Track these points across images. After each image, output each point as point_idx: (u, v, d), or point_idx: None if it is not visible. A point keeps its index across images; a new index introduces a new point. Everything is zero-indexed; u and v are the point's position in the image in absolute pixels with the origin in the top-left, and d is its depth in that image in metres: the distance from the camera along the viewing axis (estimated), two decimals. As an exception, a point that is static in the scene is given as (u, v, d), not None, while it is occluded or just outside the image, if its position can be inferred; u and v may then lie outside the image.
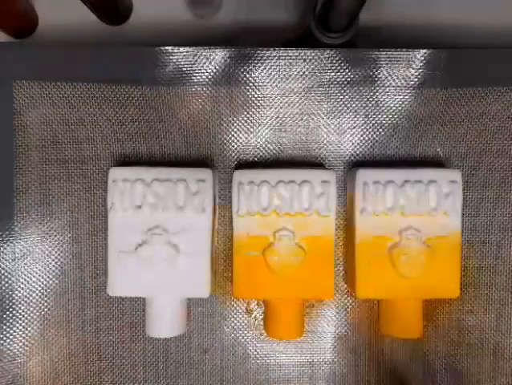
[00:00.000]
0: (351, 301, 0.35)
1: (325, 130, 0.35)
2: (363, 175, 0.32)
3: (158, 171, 0.32)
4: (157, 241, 0.32)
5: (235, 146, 0.35)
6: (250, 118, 0.35)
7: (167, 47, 0.34)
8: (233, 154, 0.35)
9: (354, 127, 0.35)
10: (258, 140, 0.35)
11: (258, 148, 0.35)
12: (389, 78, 0.34)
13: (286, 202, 0.32)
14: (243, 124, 0.35)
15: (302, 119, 0.35)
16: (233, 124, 0.35)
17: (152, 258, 0.32)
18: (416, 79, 0.34)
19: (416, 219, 0.32)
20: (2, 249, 0.34)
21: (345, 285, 0.35)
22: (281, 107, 0.34)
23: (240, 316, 0.35)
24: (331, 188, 0.32)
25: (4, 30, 0.35)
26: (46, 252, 0.34)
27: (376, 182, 0.32)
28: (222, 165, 0.35)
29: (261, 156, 0.35)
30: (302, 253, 0.32)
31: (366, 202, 0.32)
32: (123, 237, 0.32)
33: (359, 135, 0.35)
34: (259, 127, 0.35)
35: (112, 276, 0.32)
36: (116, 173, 0.32)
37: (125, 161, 0.35)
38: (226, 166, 0.35)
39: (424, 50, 0.33)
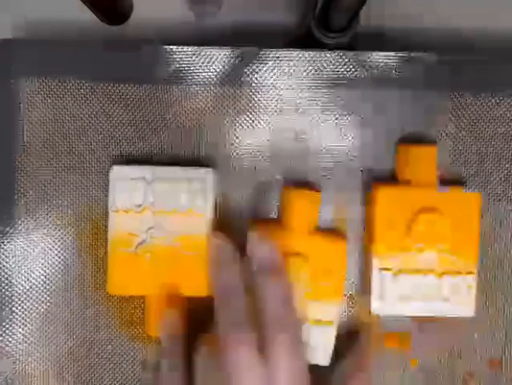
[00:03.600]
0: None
1: (325, 130, 0.34)
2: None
3: (159, 170, 0.33)
4: (157, 240, 0.32)
5: (237, 146, 0.35)
6: (252, 118, 0.35)
7: (170, 46, 0.34)
8: (235, 154, 0.35)
9: (354, 128, 0.34)
10: (259, 141, 0.35)
11: (260, 149, 0.35)
12: (389, 78, 0.33)
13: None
14: (245, 124, 0.35)
15: (302, 119, 0.34)
16: (235, 124, 0.35)
17: (152, 257, 0.32)
18: (415, 80, 0.34)
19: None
20: (2, 246, 0.34)
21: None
22: (281, 108, 0.34)
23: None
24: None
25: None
26: (47, 250, 0.35)
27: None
28: (224, 165, 0.35)
29: (262, 156, 0.35)
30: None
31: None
32: (124, 235, 0.33)
33: (363, 138, 0.34)
34: (260, 127, 0.35)
35: (113, 274, 0.33)
36: (118, 172, 0.33)
37: (126, 159, 0.35)
38: (228, 166, 0.35)
39: (425, 53, 0.33)
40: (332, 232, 0.34)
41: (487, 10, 0.36)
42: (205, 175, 0.33)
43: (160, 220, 0.32)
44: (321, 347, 0.33)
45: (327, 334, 0.33)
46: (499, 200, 0.34)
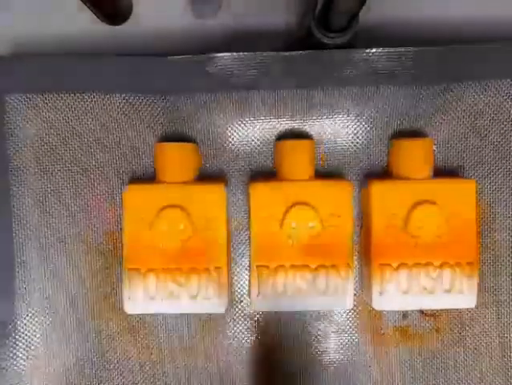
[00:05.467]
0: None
1: (321, 126, 0.35)
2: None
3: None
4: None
5: (247, 153, 0.35)
6: (255, 122, 0.35)
7: (172, 57, 0.33)
8: (245, 161, 0.35)
9: (347, 127, 0.35)
10: (261, 140, 0.35)
11: (261, 148, 0.35)
12: (389, 77, 0.34)
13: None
14: (250, 130, 0.35)
15: (303, 119, 0.35)
16: (240, 131, 0.35)
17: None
18: (416, 77, 0.34)
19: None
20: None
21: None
22: (283, 109, 0.34)
23: (242, 320, 0.35)
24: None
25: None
26: (47, 266, 0.34)
27: None
28: (235, 173, 0.35)
29: (271, 162, 0.35)
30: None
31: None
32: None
33: (358, 135, 0.35)
34: (263, 132, 0.35)
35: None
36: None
37: (130, 178, 0.35)
38: (238, 174, 0.35)
39: (424, 48, 0.33)
40: (332, 176, 0.35)
41: (485, 5, 0.37)
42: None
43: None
44: (341, 292, 0.32)
45: (346, 277, 0.32)
46: (498, 191, 0.35)
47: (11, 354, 0.34)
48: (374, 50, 0.33)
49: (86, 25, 0.36)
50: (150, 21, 0.36)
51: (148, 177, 0.34)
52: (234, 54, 0.33)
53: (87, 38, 0.36)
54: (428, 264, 0.32)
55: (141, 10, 0.36)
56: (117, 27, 0.35)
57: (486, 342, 0.35)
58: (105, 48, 0.36)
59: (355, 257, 0.35)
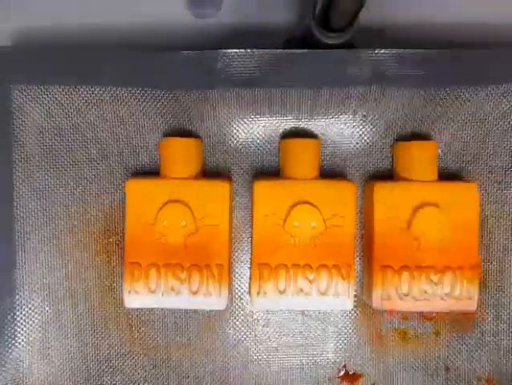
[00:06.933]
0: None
1: (325, 128, 0.35)
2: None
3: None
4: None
5: (251, 151, 0.35)
6: (260, 120, 0.35)
7: (177, 52, 0.33)
8: (249, 159, 0.35)
9: (353, 127, 0.35)
10: (265, 139, 0.35)
11: (264, 146, 0.35)
12: (389, 77, 0.34)
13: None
14: (255, 127, 0.35)
15: (309, 118, 0.35)
16: (244, 128, 0.35)
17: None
18: (415, 79, 0.34)
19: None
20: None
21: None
22: (289, 107, 0.34)
23: (241, 317, 0.35)
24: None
25: None
26: (50, 259, 0.34)
27: None
28: (239, 170, 0.35)
29: (276, 162, 0.35)
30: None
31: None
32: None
33: (357, 135, 0.35)
34: (268, 130, 0.35)
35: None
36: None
37: (132, 171, 0.35)
38: (242, 171, 0.35)
39: (424, 51, 0.33)
40: (336, 176, 0.35)
41: (485, 6, 0.37)
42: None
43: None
44: (342, 292, 0.32)
45: (347, 278, 0.32)
46: (501, 195, 0.35)
47: (10, 345, 0.34)
48: (379, 51, 0.33)
49: (87, 20, 0.36)
50: (150, 20, 0.37)
51: (152, 172, 0.35)
52: (242, 50, 0.33)
53: (87, 36, 0.36)
54: (429, 267, 0.32)
55: (141, 10, 0.37)
56: (117, 26, 0.36)
57: (486, 345, 0.35)
58: (105, 47, 0.36)
59: (356, 258, 0.35)
